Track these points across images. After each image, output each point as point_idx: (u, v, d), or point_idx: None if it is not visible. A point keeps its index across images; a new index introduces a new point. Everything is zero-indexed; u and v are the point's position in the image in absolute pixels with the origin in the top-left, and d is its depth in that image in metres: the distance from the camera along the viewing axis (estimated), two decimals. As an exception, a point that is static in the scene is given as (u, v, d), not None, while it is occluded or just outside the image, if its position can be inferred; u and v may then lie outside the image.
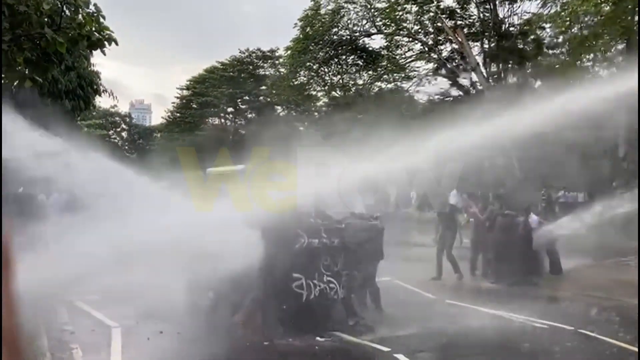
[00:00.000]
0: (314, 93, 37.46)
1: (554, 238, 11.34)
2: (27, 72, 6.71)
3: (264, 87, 44.11)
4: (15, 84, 8.27)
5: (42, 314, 7.21)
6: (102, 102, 53.02)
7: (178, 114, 49.38)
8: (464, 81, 30.13)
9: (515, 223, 10.92)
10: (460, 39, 26.01)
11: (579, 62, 22.21)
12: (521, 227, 10.91)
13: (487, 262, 11.27)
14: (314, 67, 34.02)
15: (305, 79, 35.49)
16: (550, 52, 27.76)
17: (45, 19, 6.56)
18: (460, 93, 31.13)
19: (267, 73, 44.37)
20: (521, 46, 26.85)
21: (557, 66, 26.01)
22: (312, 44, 32.16)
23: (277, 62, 42.85)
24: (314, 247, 6.69)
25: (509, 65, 27.28)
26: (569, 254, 11.83)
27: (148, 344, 6.25)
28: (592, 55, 22.73)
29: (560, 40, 26.46)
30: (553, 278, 11.23)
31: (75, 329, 6.58)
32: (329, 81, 35.28)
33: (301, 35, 31.93)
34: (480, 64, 26.56)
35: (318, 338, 6.42)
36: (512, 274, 10.60)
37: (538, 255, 11.19)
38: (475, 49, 27.47)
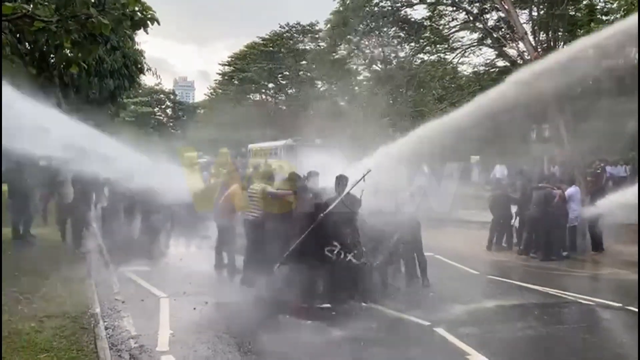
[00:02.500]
0: (354, 67, 37.00)
1: (596, 213, 10.99)
2: (72, 54, 6.92)
3: (304, 62, 43.91)
4: (62, 66, 8.62)
5: (97, 284, 7.63)
6: (147, 80, 54.15)
7: (220, 90, 49.98)
8: (511, 51, 29.00)
9: (549, 197, 10.58)
10: (507, 7, 24.93)
11: (635, 27, 20.88)
12: (555, 201, 10.56)
13: (521, 236, 11.09)
14: (354, 40, 33.52)
15: (345, 52, 35.06)
16: (604, 18, 26.30)
17: (90, 0, 6.73)
18: (507, 64, 30.03)
19: (307, 48, 44.11)
20: (572, 13, 25.54)
21: (611, 33, 24.57)
22: (352, 16, 31.62)
23: (316, 36, 42.50)
24: (335, 217, 6.89)
25: (560, 34, 26.05)
26: (616, 228, 11.43)
27: (194, 313, 6.51)
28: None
29: (614, 5, 24.99)
30: (596, 253, 10.93)
31: (126, 299, 6.91)
32: (370, 54, 34.73)
33: (341, 8, 31.42)
34: (529, 32, 25.42)
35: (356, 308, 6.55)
36: (546, 248, 10.38)
37: (573, 230, 10.89)
38: (523, 16, 26.23)
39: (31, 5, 6.77)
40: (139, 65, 11.77)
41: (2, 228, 9.49)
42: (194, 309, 6.65)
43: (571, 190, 10.89)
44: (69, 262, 8.87)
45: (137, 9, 6.80)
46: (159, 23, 6.94)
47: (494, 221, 11.53)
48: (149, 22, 6.84)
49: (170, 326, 5.84)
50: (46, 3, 6.88)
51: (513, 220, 11.49)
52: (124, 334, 5.57)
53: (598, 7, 26.20)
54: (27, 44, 8.99)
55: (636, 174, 20.35)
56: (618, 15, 25.90)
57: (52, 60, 9.39)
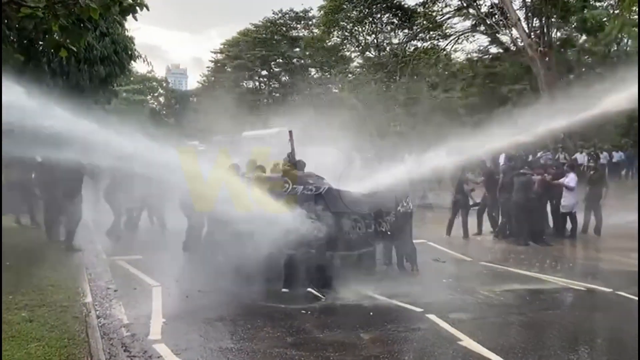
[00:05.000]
0: (347, 54, 36.86)
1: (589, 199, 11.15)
2: (61, 39, 6.80)
3: (297, 49, 43.64)
4: (51, 52, 8.48)
5: (89, 272, 7.60)
6: (139, 67, 53.61)
7: (213, 78, 49.67)
8: (504, 38, 28.95)
9: (528, 183, 10.65)
10: (500, -7, 24.85)
11: (628, 15, 20.93)
12: (537, 186, 10.63)
13: (507, 221, 11.17)
14: (348, 26, 33.35)
15: (338, 39, 34.90)
16: (598, 4, 26.26)
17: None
18: (500, 50, 30.01)
19: (300, 34, 43.80)
20: (566, -1, 25.49)
21: (604, 20, 24.56)
22: (346, 3, 31.42)
23: (310, 22, 42.19)
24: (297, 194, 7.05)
25: (553, 20, 26.00)
26: (617, 213, 11.61)
27: (187, 301, 6.50)
28: (643, 6, 21.38)
29: (608, -9, 24.96)
30: (591, 239, 11.05)
31: (118, 287, 6.89)
32: (363, 41, 34.56)
33: (334, -6, 31.17)
34: (522, 19, 25.37)
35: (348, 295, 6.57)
36: (527, 234, 10.51)
37: (564, 217, 11.05)
38: (516, 3, 26.20)
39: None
40: (129, 52, 11.62)
41: (2, 221, 9.43)
42: (187, 297, 6.65)
43: (569, 177, 10.99)
44: (60, 251, 8.83)
45: (126, -7, 6.68)
46: (147, 9, 6.82)
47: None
48: (137, 7, 6.72)
49: (162, 314, 5.82)
50: (33, -12, 6.74)
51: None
52: (116, 322, 5.55)
53: (591, -7, 26.16)
54: (14, 30, 8.85)
55: (630, 160, 20.53)
56: (611, 2, 25.88)
57: (41, 47, 9.27)
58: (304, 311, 6.11)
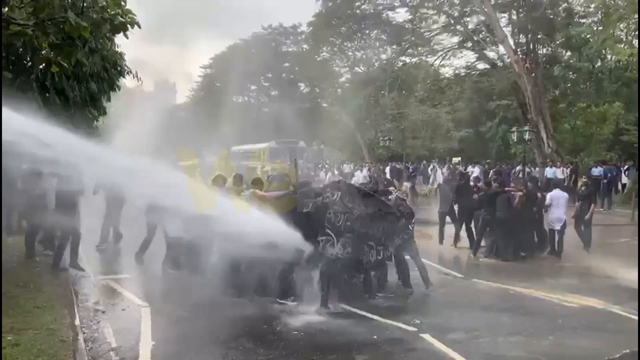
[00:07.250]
0: (336, 69, 37.08)
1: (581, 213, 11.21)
2: (52, 55, 6.74)
3: (286, 64, 43.81)
4: (41, 67, 8.39)
5: (76, 293, 7.43)
6: (128, 82, 53.34)
7: (202, 93, 49.59)
8: (491, 54, 29.36)
9: (509, 199, 10.64)
10: (487, 10, 25.23)
11: (612, 32, 21.32)
12: (516, 203, 10.64)
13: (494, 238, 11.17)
14: (337, 42, 33.59)
15: (328, 55, 35.12)
16: (582, 21, 26.76)
17: (68, 2, 6.56)
18: (488, 66, 30.40)
19: (289, 50, 44.00)
20: (551, 16, 25.95)
21: (588, 36, 25.03)
22: (335, 19, 31.69)
23: (299, 38, 42.43)
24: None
25: (538, 37, 26.45)
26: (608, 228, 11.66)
27: (177, 322, 6.37)
28: (625, 24, 21.83)
29: (592, 9, 25.46)
30: (582, 255, 11.07)
31: (106, 308, 6.74)
32: (352, 57, 34.82)
33: (324, 10, 31.46)
34: (508, 35, 25.77)
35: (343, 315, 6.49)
36: (507, 249, 10.54)
37: (553, 233, 10.98)
38: (503, 20, 26.64)
39: (6, 9, 6.57)
40: (119, 68, 11.49)
41: (2, 233, 9.23)
42: (177, 318, 6.52)
43: (553, 193, 11.02)
44: (47, 271, 8.63)
45: (117, 11, 6.64)
46: (139, 26, 6.76)
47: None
48: (129, 25, 6.67)
49: (152, 337, 5.70)
50: (22, 6, 6.68)
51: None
52: (104, 346, 5.42)
53: (576, 10, 26.66)
54: (2, 47, 8.74)
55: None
56: (595, 19, 26.41)
57: (29, 64, 9.16)
58: (296, 332, 6.03)
